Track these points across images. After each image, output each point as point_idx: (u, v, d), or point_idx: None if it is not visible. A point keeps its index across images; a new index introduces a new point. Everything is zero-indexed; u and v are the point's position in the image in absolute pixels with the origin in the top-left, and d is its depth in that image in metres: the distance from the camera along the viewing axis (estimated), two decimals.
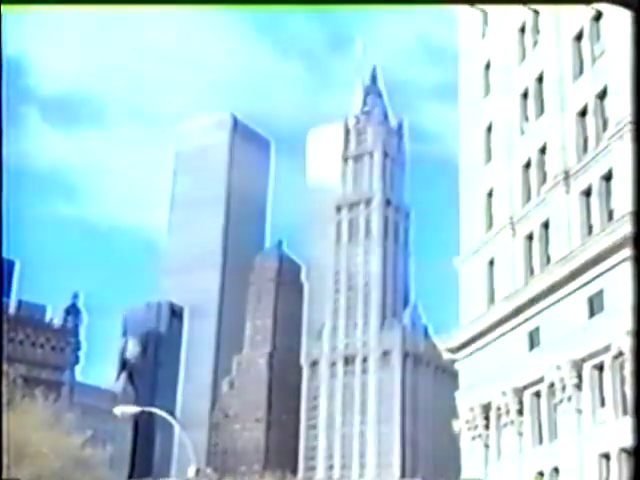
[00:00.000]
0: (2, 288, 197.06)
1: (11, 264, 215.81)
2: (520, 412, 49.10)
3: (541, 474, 45.36)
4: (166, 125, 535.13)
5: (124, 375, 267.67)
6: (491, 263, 54.17)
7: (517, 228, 51.37)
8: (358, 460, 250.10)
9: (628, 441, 38.36)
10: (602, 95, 44.96)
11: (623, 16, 40.64)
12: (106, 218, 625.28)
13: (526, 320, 48.75)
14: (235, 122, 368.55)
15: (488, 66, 58.38)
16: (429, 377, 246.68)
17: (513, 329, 50.04)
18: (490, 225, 55.05)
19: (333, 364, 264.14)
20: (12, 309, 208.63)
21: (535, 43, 52.77)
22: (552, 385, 45.69)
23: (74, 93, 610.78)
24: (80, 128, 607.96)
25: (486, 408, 52.45)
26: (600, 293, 42.73)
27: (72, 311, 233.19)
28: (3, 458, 65.61)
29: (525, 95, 52.91)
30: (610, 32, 44.74)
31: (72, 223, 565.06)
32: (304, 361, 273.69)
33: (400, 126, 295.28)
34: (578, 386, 43.88)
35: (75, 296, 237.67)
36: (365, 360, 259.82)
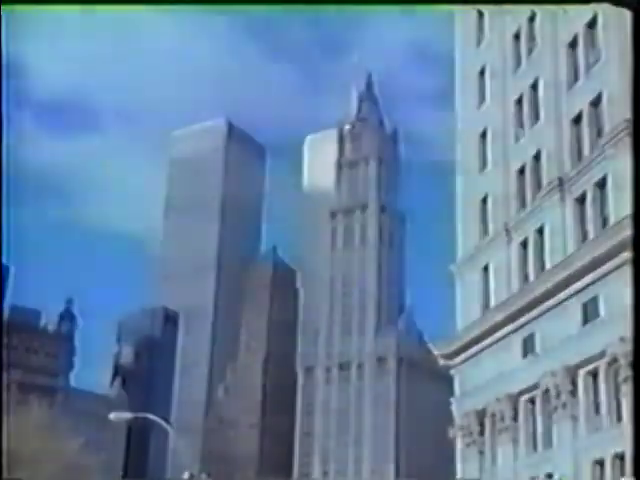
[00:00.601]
0: (3, 294, 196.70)
1: (6, 269, 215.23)
2: (515, 419, 49.10)
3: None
4: (161, 130, 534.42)
5: (118, 381, 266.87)
6: (486, 269, 54.20)
7: (512, 235, 51.43)
8: (353, 466, 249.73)
9: (622, 447, 38.43)
10: (596, 102, 45.04)
11: (617, 23, 40.82)
12: (101, 223, 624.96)
13: (521, 327, 48.76)
14: (230, 128, 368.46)
15: (483, 73, 58.48)
16: (424, 383, 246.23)
17: (508, 335, 50.05)
18: (485, 231, 55.09)
19: (328, 370, 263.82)
20: (6, 314, 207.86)
21: (530, 50, 52.88)
22: (547, 392, 45.69)
23: (69, 97, 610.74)
24: (74, 132, 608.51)
25: (481, 414, 52.42)
26: (594, 300, 42.77)
27: (66, 316, 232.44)
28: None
29: (520, 102, 52.99)
30: (605, 39, 44.86)
31: (66, 228, 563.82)
32: (299, 367, 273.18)
33: (395, 132, 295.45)
34: (573, 393, 43.88)
35: (69, 301, 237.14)
36: (360, 366, 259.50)
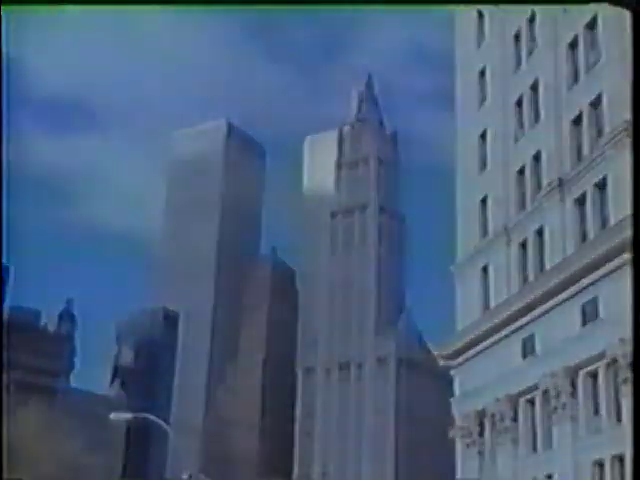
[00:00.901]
0: (3, 294, 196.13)
1: (6, 269, 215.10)
2: (515, 419, 49.09)
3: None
4: (161, 131, 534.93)
5: (118, 381, 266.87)
6: (486, 270, 54.18)
7: (512, 235, 51.40)
8: (353, 466, 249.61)
9: (622, 449, 38.40)
10: (596, 103, 45.01)
11: (617, 23, 40.81)
12: (101, 223, 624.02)
13: (521, 327, 48.74)
14: (230, 128, 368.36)
15: (483, 73, 58.47)
16: (424, 384, 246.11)
17: (508, 336, 50.03)
18: (485, 232, 55.07)
19: (328, 370, 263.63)
20: (6, 314, 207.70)
21: (530, 51, 52.86)
22: (546, 392, 45.67)
23: (69, 97, 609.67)
24: (74, 132, 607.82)
25: (481, 415, 52.42)
26: (594, 300, 42.73)
27: (66, 317, 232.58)
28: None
29: (520, 103, 52.97)
30: (605, 40, 44.84)
31: (66, 228, 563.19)
32: (299, 368, 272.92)
33: (395, 133, 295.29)
34: (572, 394, 43.85)
35: (69, 301, 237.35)
36: (360, 366, 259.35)
